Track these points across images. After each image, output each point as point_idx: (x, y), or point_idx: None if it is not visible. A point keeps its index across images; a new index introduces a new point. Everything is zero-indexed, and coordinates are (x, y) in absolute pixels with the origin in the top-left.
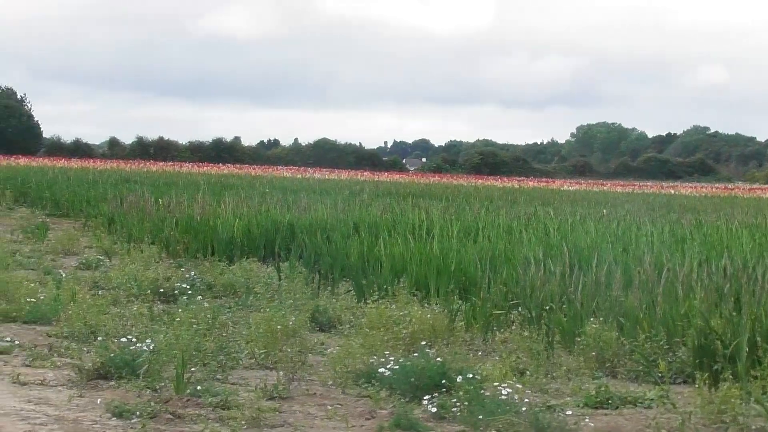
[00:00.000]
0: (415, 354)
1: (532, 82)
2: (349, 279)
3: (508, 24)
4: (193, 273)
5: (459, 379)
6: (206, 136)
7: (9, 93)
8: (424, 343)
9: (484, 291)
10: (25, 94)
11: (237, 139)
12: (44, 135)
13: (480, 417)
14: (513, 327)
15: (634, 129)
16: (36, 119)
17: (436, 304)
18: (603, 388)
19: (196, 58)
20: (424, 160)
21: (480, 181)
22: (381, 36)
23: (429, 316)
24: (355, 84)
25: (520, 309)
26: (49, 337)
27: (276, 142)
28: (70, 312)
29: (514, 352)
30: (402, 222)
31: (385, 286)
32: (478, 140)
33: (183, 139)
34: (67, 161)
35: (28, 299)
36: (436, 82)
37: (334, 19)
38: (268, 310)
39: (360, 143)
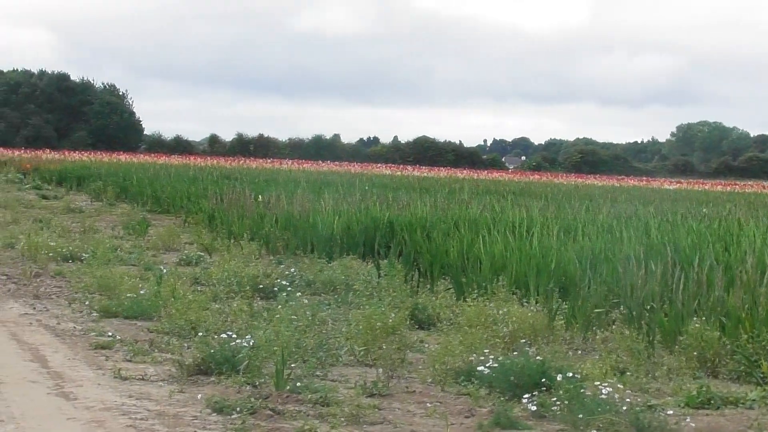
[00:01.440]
0: (515, 352)
1: (631, 80)
2: (449, 277)
3: (604, 22)
4: (292, 270)
5: (559, 377)
6: (305, 133)
7: (111, 89)
8: (523, 341)
9: (583, 290)
10: (126, 91)
11: (336, 136)
12: (145, 131)
13: (580, 416)
14: (613, 326)
15: (735, 128)
16: (137, 116)
17: (536, 303)
18: (704, 388)
19: (294, 55)
20: (523, 158)
21: (580, 179)
22: (475, 33)
23: (529, 314)
24: (452, 81)
25: (621, 308)
26: (150, 332)
27: (376, 140)
28: (171, 308)
29: (614, 352)
30: (502, 220)
31: (484, 284)
32: (578, 139)
33: (282, 136)
34: (167, 158)
35: (129, 295)
36: (532, 80)
37: (428, 16)
38: (367, 307)
39: (460, 141)
